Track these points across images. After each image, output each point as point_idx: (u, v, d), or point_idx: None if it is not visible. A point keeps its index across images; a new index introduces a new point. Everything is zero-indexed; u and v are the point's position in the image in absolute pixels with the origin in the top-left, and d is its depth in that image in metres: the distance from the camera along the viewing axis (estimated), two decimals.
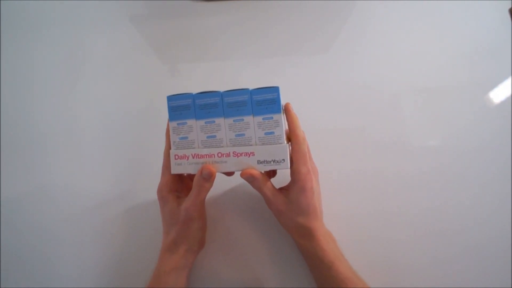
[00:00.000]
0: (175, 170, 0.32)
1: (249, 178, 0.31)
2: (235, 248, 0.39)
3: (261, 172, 0.31)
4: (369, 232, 0.38)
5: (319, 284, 0.34)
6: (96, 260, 0.39)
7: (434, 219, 0.38)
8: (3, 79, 0.49)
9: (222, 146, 0.31)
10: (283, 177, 0.36)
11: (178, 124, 0.32)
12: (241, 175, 0.31)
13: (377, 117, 0.43)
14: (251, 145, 0.30)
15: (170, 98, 0.32)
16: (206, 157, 0.31)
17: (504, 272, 0.36)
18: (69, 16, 0.52)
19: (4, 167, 0.44)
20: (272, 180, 0.35)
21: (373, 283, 0.32)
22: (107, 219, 0.41)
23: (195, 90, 0.32)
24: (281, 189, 0.34)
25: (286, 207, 0.32)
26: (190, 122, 0.31)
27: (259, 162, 0.30)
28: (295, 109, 0.32)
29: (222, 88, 0.31)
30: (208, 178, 0.30)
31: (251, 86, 0.31)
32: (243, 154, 0.30)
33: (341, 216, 0.38)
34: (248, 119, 0.30)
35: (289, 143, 0.32)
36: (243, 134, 0.31)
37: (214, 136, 0.31)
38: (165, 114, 0.32)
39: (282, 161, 0.30)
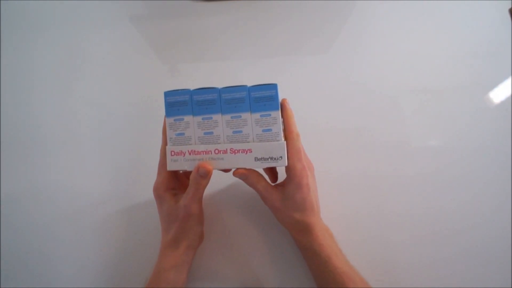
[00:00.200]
0: (171, 166, 0.31)
1: (242, 176, 0.31)
2: (234, 246, 0.38)
3: (253, 170, 0.31)
4: (369, 232, 0.38)
5: (317, 279, 0.34)
6: (95, 259, 0.39)
7: (433, 219, 0.38)
8: (3, 79, 0.49)
9: (219, 143, 0.31)
10: (280, 174, 0.36)
11: (175, 120, 0.31)
12: (234, 175, 0.31)
13: (377, 117, 0.43)
14: (248, 142, 0.30)
15: (167, 94, 0.31)
16: (203, 154, 0.31)
17: (504, 272, 0.36)
18: (69, 16, 0.52)
19: (3, 166, 0.44)
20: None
21: (373, 283, 0.32)
22: (106, 217, 0.41)
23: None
24: (277, 185, 0.34)
25: (282, 204, 0.32)
26: (187, 118, 0.31)
27: (256, 159, 0.30)
28: (294, 108, 0.32)
29: None
30: (205, 176, 0.30)
31: (251, 85, 0.31)
32: (240, 151, 0.30)
33: (341, 216, 0.38)
34: (246, 116, 0.30)
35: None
36: (241, 131, 0.30)
37: (211, 133, 0.31)
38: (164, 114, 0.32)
39: (280, 158, 0.30)
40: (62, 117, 0.46)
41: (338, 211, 0.38)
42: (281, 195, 0.32)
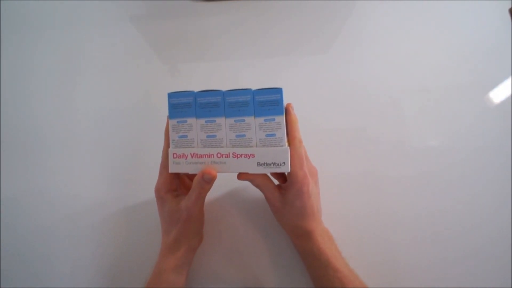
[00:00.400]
0: (173, 169, 0.31)
1: (247, 179, 0.31)
2: (234, 247, 0.39)
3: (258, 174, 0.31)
4: (369, 233, 0.38)
5: (316, 283, 0.34)
6: (95, 260, 0.39)
7: (434, 219, 0.38)
8: (3, 79, 0.49)
9: (222, 147, 0.30)
10: None
11: (178, 122, 0.31)
12: (238, 178, 0.31)
13: (377, 117, 0.43)
14: (251, 146, 0.30)
15: (171, 95, 0.31)
16: (205, 157, 0.30)
17: (504, 272, 0.36)
18: (69, 16, 0.51)
19: (3, 167, 0.44)
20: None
21: (373, 283, 0.32)
22: (105, 218, 0.41)
23: (195, 89, 0.31)
24: (280, 187, 0.34)
25: (282, 206, 0.32)
26: (190, 120, 0.31)
27: (259, 164, 0.30)
28: (294, 108, 0.32)
29: (222, 88, 0.31)
30: (209, 181, 0.30)
31: (251, 86, 0.30)
32: (243, 156, 0.30)
33: (341, 217, 0.38)
34: (250, 120, 0.30)
35: None
36: (244, 135, 0.30)
37: (214, 136, 0.30)
38: (165, 114, 0.32)
39: (283, 164, 0.29)
40: (62, 117, 0.46)
41: (338, 211, 0.38)
42: (282, 198, 0.33)
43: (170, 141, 0.31)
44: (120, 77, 0.48)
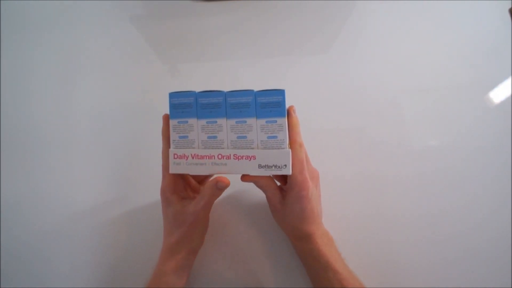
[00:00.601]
0: (174, 169, 0.31)
1: (251, 181, 0.31)
2: (235, 248, 0.39)
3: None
4: (369, 233, 0.38)
5: (316, 285, 0.34)
6: (95, 261, 0.39)
7: (434, 220, 0.38)
8: (3, 79, 0.49)
9: (223, 148, 0.30)
10: None
11: (178, 122, 0.30)
12: (242, 180, 0.31)
13: (377, 117, 0.43)
14: (252, 148, 0.30)
15: (172, 95, 0.31)
16: (206, 158, 0.30)
17: (504, 272, 0.36)
18: (69, 16, 0.51)
19: (3, 168, 0.44)
20: None
21: (373, 284, 0.32)
22: (106, 219, 0.41)
23: (195, 90, 0.31)
24: (281, 188, 0.34)
25: (282, 208, 0.32)
26: (191, 121, 0.30)
27: (260, 166, 0.29)
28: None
29: (222, 88, 0.31)
30: (222, 189, 0.30)
31: (251, 86, 0.30)
32: (244, 157, 0.29)
33: (341, 218, 0.38)
34: (251, 121, 0.30)
35: None
36: (245, 137, 0.30)
37: (215, 137, 0.30)
38: None
39: (284, 166, 0.29)
40: (62, 117, 0.46)
41: (338, 211, 0.38)
42: (283, 200, 0.33)
43: (171, 142, 0.31)
44: (120, 77, 0.48)
